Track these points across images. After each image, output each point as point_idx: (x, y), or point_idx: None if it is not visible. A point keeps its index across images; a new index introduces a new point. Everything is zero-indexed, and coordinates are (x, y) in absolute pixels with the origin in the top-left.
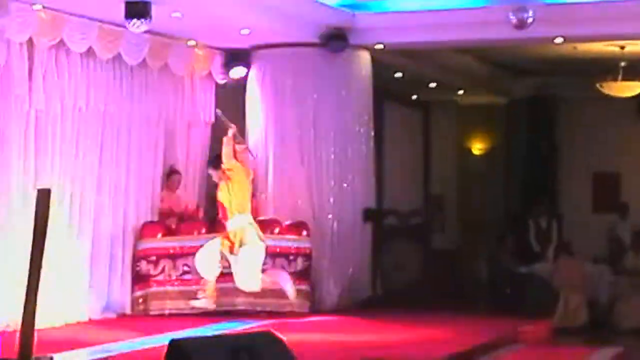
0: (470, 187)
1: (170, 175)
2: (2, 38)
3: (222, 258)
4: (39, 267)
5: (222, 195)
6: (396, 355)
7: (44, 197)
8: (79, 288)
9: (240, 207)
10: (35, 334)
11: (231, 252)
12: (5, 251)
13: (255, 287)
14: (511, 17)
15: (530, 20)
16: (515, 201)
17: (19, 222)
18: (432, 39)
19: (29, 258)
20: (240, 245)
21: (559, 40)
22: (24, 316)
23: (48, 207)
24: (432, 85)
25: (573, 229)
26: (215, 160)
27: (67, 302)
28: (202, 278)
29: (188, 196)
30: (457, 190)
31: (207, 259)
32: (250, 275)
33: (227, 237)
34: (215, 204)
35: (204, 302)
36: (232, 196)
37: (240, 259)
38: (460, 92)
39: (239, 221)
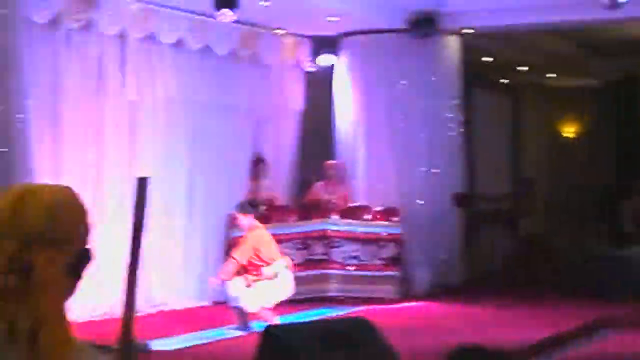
0: (561, 170)
1: (258, 164)
2: (95, 32)
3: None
4: (138, 255)
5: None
6: (491, 341)
7: (142, 185)
8: (174, 276)
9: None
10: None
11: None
12: (104, 240)
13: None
14: None
15: (622, 0)
16: (608, 184)
17: (114, 212)
18: (522, 22)
19: (128, 246)
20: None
21: None
22: (124, 303)
23: (146, 194)
24: (522, 68)
25: None
26: (247, 206)
27: (162, 290)
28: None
29: (278, 185)
30: (548, 173)
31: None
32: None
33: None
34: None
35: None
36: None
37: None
38: (551, 75)
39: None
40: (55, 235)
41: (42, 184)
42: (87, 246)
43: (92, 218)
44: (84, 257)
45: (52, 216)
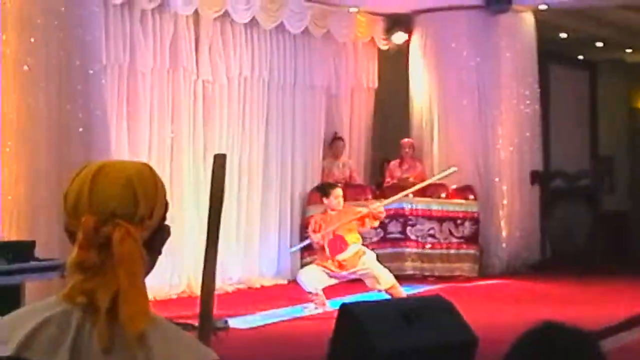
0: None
1: (334, 142)
2: (170, 11)
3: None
4: (217, 232)
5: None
6: (570, 319)
7: (220, 162)
8: (250, 254)
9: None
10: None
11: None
12: (180, 219)
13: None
14: None
15: None
16: None
17: (190, 191)
18: None
19: (205, 224)
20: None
21: None
22: (203, 281)
23: (224, 171)
24: (599, 44)
25: None
26: (326, 189)
27: (238, 268)
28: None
29: (354, 163)
30: (626, 150)
31: (312, 274)
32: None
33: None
34: (382, 170)
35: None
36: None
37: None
38: (629, 50)
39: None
40: (133, 211)
41: (120, 160)
42: (165, 222)
43: (169, 196)
44: (162, 233)
45: (130, 191)
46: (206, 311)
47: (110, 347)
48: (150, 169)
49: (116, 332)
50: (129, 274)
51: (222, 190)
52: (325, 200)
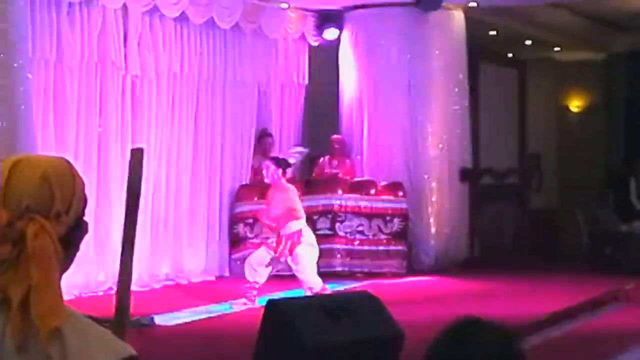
0: (568, 145)
1: (262, 138)
2: (97, 4)
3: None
4: (134, 228)
5: (293, 197)
6: (495, 315)
7: (137, 157)
8: (177, 250)
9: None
10: (132, 296)
11: (279, 256)
12: (107, 214)
13: (317, 285)
14: None
15: None
16: (616, 159)
17: (117, 186)
18: None
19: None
20: (291, 251)
21: None
22: (120, 277)
23: (141, 166)
24: (528, 42)
25: None
26: (283, 162)
27: (166, 264)
28: (251, 282)
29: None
30: (555, 148)
31: (257, 263)
32: (311, 273)
33: (278, 243)
34: (311, 166)
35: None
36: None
37: (299, 258)
38: (557, 48)
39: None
40: (49, 206)
41: (38, 155)
42: (83, 218)
43: (94, 191)
44: (79, 229)
45: (46, 186)
46: (122, 306)
47: (24, 345)
48: (68, 163)
49: (31, 329)
50: (41, 269)
51: (139, 185)
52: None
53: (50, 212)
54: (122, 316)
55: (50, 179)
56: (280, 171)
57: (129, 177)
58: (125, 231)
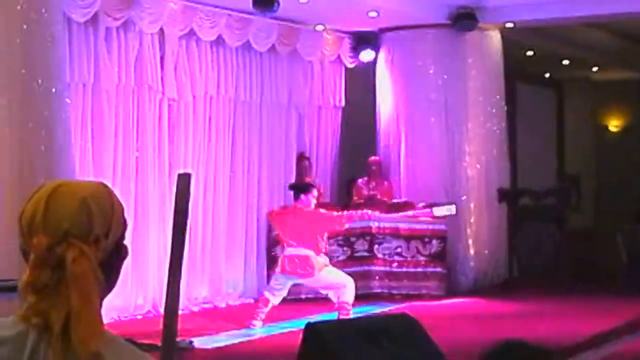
0: (607, 164)
1: (300, 162)
2: (134, 29)
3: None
4: (181, 252)
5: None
6: (536, 337)
7: (184, 182)
8: (216, 273)
9: None
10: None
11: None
12: (145, 238)
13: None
14: None
15: None
16: None
17: (155, 210)
18: (564, 15)
19: (170, 243)
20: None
21: None
22: (167, 301)
23: (189, 191)
24: (565, 62)
25: None
26: (307, 187)
27: (204, 287)
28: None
29: (321, 181)
30: (593, 168)
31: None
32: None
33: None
34: (349, 188)
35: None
36: None
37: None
38: (595, 68)
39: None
40: (88, 231)
41: (77, 180)
42: (123, 242)
43: (132, 215)
44: (119, 253)
45: (85, 210)
46: (169, 332)
47: None
48: (107, 188)
49: (71, 353)
50: (81, 293)
51: (186, 210)
52: (306, 196)
53: (89, 236)
54: (169, 342)
55: (89, 203)
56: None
57: (176, 201)
58: (173, 255)
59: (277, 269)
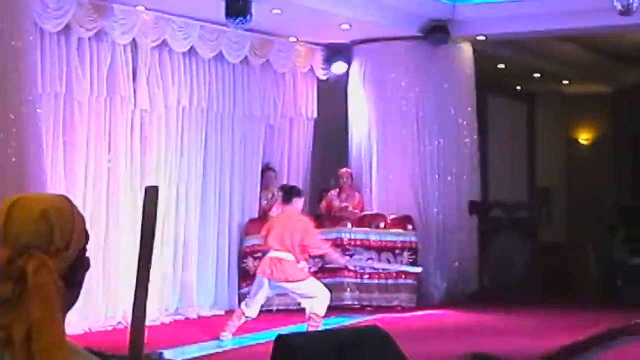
0: (578, 178)
1: (264, 173)
2: (107, 40)
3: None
4: (149, 264)
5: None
6: (504, 350)
7: (152, 195)
8: (187, 285)
9: None
10: (146, 331)
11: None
12: (116, 249)
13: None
14: (616, 3)
15: (635, 6)
16: (626, 191)
17: (127, 221)
18: (535, 29)
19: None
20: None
21: None
22: (134, 314)
23: (156, 204)
24: (537, 75)
25: None
26: (300, 192)
27: (175, 299)
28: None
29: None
30: (564, 181)
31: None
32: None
33: None
34: (320, 199)
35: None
36: None
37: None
38: (566, 82)
39: None
40: (49, 242)
41: (37, 193)
42: (85, 255)
43: (104, 226)
44: (81, 265)
45: (45, 222)
46: (137, 345)
47: None
48: (67, 200)
49: None
50: (43, 305)
51: (153, 224)
52: (298, 201)
53: (50, 248)
54: (136, 353)
55: (49, 215)
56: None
57: (143, 216)
58: (140, 270)
59: (258, 271)
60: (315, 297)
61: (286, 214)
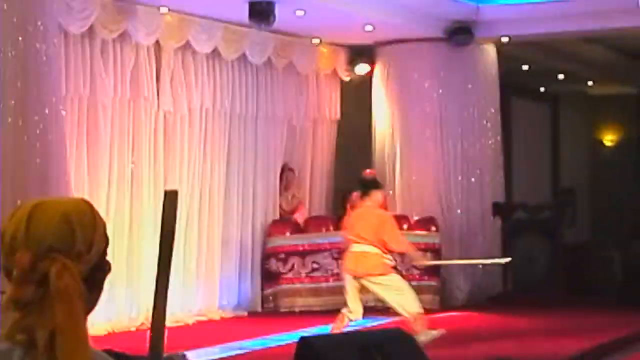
0: (601, 179)
1: (284, 173)
2: (130, 41)
3: None
4: (168, 266)
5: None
6: (527, 353)
7: (171, 199)
8: (210, 286)
9: None
10: (166, 332)
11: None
12: (139, 250)
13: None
14: None
15: None
16: None
17: (149, 222)
18: (559, 30)
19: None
20: None
21: None
22: (153, 315)
23: (175, 208)
24: (561, 76)
25: None
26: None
27: (199, 300)
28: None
29: (315, 194)
30: (588, 182)
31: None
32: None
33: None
34: (344, 201)
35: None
36: None
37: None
38: (590, 83)
39: None
40: (70, 245)
41: (57, 197)
42: (105, 258)
43: (127, 228)
44: (102, 268)
45: (67, 225)
46: (157, 345)
47: None
48: (89, 204)
49: None
50: (66, 308)
51: (172, 228)
52: (377, 193)
53: (71, 251)
54: (156, 354)
55: (71, 218)
56: None
57: (162, 219)
58: (159, 273)
59: (343, 268)
60: (401, 294)
61: (365, 207)
